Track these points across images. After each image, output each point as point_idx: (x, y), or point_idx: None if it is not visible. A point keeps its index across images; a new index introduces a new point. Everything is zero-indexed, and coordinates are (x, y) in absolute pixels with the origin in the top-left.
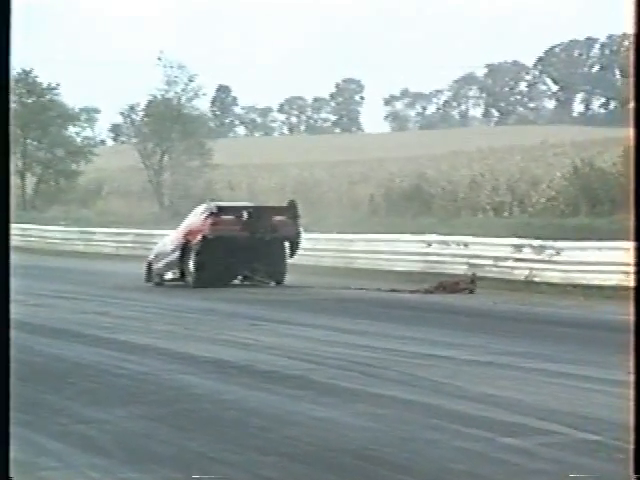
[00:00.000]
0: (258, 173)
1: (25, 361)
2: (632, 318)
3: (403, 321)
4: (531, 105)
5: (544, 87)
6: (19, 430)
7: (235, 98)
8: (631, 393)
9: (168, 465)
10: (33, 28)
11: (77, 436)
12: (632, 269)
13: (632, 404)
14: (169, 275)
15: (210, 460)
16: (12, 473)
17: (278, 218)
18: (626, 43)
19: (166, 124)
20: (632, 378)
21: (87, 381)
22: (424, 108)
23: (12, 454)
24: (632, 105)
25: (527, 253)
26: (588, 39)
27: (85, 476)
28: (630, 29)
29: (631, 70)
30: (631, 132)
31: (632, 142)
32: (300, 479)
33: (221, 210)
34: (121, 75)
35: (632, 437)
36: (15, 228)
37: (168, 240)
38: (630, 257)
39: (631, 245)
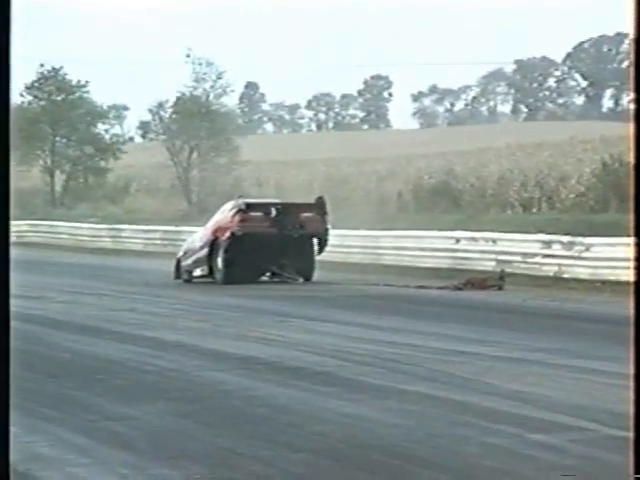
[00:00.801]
0: (286, 170)
1: (54, 358)
2: (632, 312)
3: (431, 318)
4: (560, 101)
5: (573, 83)
6: (49, 427)
7: (263, 95)
8: (631, 395)
9: (197, 461)
10: (63, 26)
11: (106, 432)
12: (633, 264)
13: (632, 405)
14: (198, 272)
15: (239, 456)
16: (42, 469)
17: (306, 215)
18: None
19: (194, 121)
20: (632, 377)
21: (115, 377)
22: (452, 104)
23: (43, 450)
24: (633, 106)
25: (556, 249)
26: (617, 34)
27: (114, 472)
28: (630, 29)
29: (631, 71)
30: (631, 129)
31: (632, 140)
32: (329, 475)
33: (249, 207)
34: (150, 72)
35: (632, 437)
36: (44, 225)
37: (196, 237)
38: None
39: None
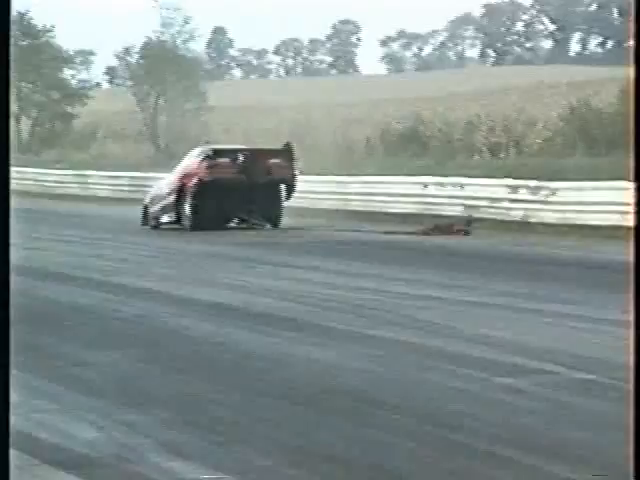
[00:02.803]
0: (254, 115)
1: (20, 304)
2: (632, 259)
3: (398, 263)
4: (528, 45)
5: (541, 27)
6: (15, 373)
7: (231, 40)
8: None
9: (165, 407)
10: None
11: (73, 378)
12: (631, 209)
13: (632, 403)
14: (165, 218)
15: (207, 402)
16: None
17: (274, 161)
18: None
19: (161, 66)
20: (632, 375)
21: (82, 324)
22: (420, 49)
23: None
24: (632, 103)
25: (523, 194)
26: None
27: (82, 418)
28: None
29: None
30: (631, 72)
31: (632, 83)
32: (297, 419)
33: (217, 153)
34: (117, 17)
35: (632, 438)
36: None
37: (164, 183)
38: (627, 197)
39: (627, 185)
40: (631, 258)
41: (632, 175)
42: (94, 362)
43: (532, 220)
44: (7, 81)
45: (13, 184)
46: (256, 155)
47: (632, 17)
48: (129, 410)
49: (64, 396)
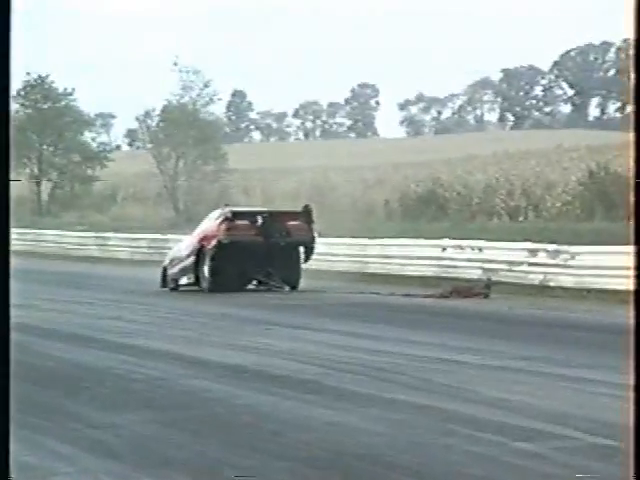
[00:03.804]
0: (273, 178)
1: (39, 366)
2: (632, 322)
3: (417, 326)
4: (547, 109)
5: (560, 91)
6: (34, 435)
7: (250, 103)
8: (631, 395)
9: (182, 470)
10: (49, 33)
11: (91, 441)
12: (633, 273)
13: (632, 406)
14: (184, 280)
15: (224, 465)
16: (26, 479)
17: (293, 223)
18: None
19: (181, 129)
20: (632, 380)
21: (100, 386)
22: (439, 112)
23: (26, 459)
24: (632, 109)
25: (542, 257)
26: (604, 43)
27: None
28: (630, 34)
29: (632, 75)
30: (631, 136)
31: (632, 147)
32: None
33: (236, 215)
34: (137, 80)
35: (632, 439)
36: (30, 233)
37: (183, 245)
38: None
39: None
40: (631, 321)
41: (633, 239)
42: (111, 424)
43: (551, 284)
44: (8, 84)
45: (32, 247)
46: (275, 217)
47: (633, 82)
48: (145, 473)
49: (81, 459)
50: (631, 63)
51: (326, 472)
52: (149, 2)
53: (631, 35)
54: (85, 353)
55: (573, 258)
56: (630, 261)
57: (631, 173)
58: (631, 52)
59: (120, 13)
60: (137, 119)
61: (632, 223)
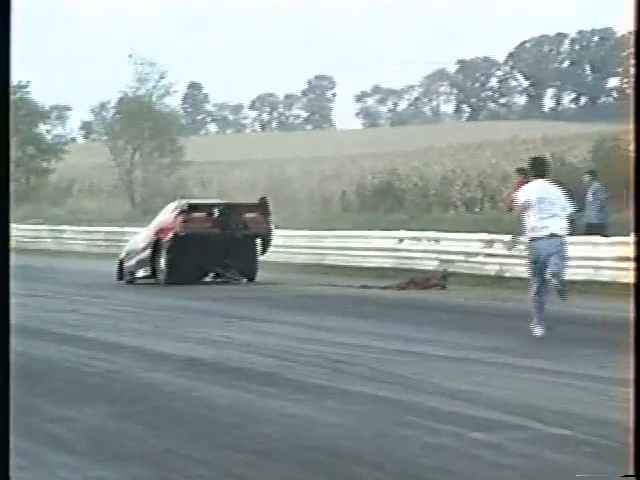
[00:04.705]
0: (230, 170)
1: None
2: (632, 315)
3: (374, 317)
4: (502, 101)
5: (515, 83)
6: None
7: (206, 95)
8: (631, 392)
9: (137, 463)
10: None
11: (45, 434)
12: (604, 264)
13: (632, 405)
14: (141, 273)
15: (180, 457)
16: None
17: (249, 215)
18: (595, 39)
19: (137, 121)
20: (632, 376)
21: (55, 379)
22: (395, 104)
23: None
24: (632, 101)
25: (498, 248)
26: (558, 34)
27: (53, 474)
28: (630, 29)
29: (632, 71)
30: (631, 127)
31: (633, 139)
32: (269, 476)
33: (192, 207)
34: (92, 72)
35: (632, 438)
36: None
37: (139, 238)
38: (599, 252)
39: (600, 240)
40: (631, 315)
41: (633, 228)
42: (66, 418)
43: (507, 274)
44: (7, 83)
45: None
46: (232, 209)
47: (633, 79)
48: (100, 466)
49: (36, 453)
50: (631, 59)
51: (283, 464)
52: None
53: (631, 27)
54: (39, 347)
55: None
56: (585, 251)
57: (585, 164)
58: (631, 48)
59: (75, 4)
60: (92, 111)
61: (632, 213)
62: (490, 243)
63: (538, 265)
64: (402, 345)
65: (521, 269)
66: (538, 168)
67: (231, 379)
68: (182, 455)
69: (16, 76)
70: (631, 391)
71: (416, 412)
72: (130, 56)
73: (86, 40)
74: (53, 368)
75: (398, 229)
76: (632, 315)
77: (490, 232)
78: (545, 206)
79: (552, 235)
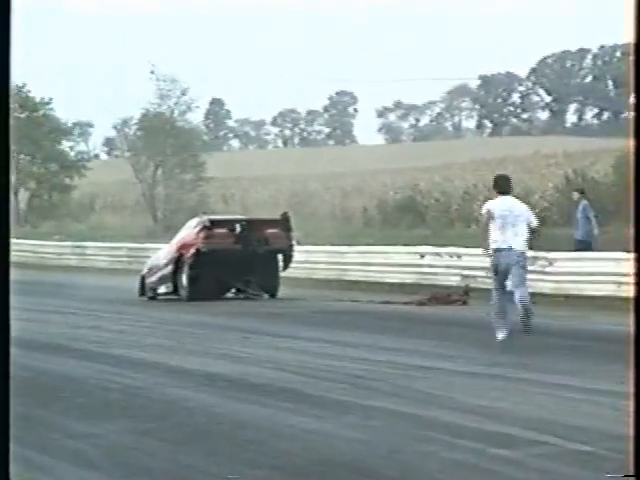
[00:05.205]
0: (251, 186)
1: (14, 376)
2: (632, 329)
3: (396, 333)
4: (524, 116)
5: (537, 98)
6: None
7: (229, 111)
8: (631, 402)
9: (158, 478)
10: (27, 42)
11: (68, 451)
12: (628, 279)
13: (632, 408)
14: (162, 289)
15: (201, 473)
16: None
17: (271, 231)
18: (618, 54)
19: (159, 138)
20: (632, 386)
21: (77, 395)
22: (417, 120)
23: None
24: (633, 114)
25: None
26: (580, 50)
27: None
28: (629, 39)
29: (631, 79)
30: (631, 142)
31: (632, 151)
32: None
33: (214, 223)
34: (114, 88)
35: (632, 438)
36: None
37: (161, 254)
38: (623, 268)
39: (624, 255)
40: (631, 329)
41: (632, 245)
42: (87, 434)
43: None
44: (7, 89)
45: (11, 257)
46: (253, 225)
47: (632, 87)
48: None
49: (58, 469)
50: (631, 69)
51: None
52: (121, 15)
53: (631, 39)
54: (62, 363)
55: (551, 264)
56: (607, 267)
57: (608, 179)
58: (609, 58)
59: (94, 22)
60: (115, 128)
61: (632, 230)
62: None
63: (499, 277)
64: (422, 360)
65: (543, 284)
66: (501, 185)
67: (252, 395)
68: (202, 471)
69: (39, 92)
70: (631, 403)
71: (435, 427)
72: (152, 72)
73: (108, 55)
74: (75, 384)
75: (420, 244)
76: (632, 329)
77: None
78: (506, 220)
79: (511, 248)
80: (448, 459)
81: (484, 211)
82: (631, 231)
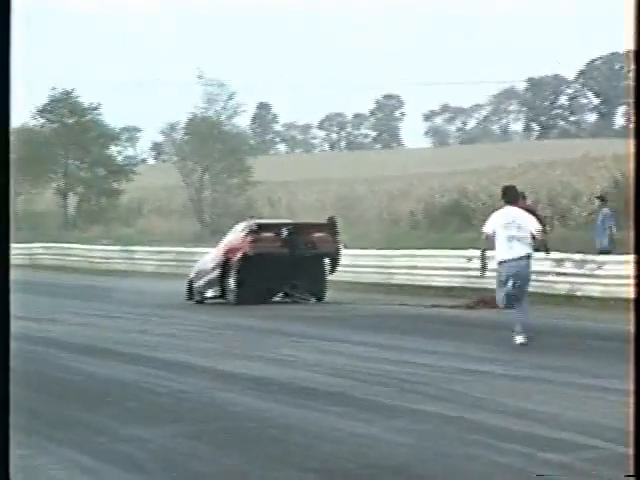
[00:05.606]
0: (298, 190)
1: (65, 380)
2: (632, 329)
3: (444, 336)
4: (572, 119)
5: (585, 100)
6: (60, 449)
7: (275, 115)
8: (631, 400)
9: None
10: (76, 49)
11: (117, 455)
12: (634, 282)
13: (632, 409)
14: (210, 293)
15: (249, 477)
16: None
17: (318, 235)
18: None
19: (206, 142)
20: (632, 386)
21: (126, 400)
22: (464, 123)
23: (54, 473)
24: (633, 119)
25: (568, 267)
26: (629, 52)
27: None
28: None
29: (632, 84)
30: (631, 144)
31: (632, 153)
32: None
33: (261, 227)
34: (162, 93)
35: (632, 439)
36: (57, 247)
37: (209, 258)
38: None
39: None
40: (632, 329)
41: (633, 248)
42: (137, 438)
43: (578, 293)
44: (7, 88)
45: (60, 261)
46: (300, 229)
47: (632, 91)
48: None
49: (107, 472)
50: (632, 75)
51: None
52: (169, 19)
53: (631, 46)
54: (112, 367)
55: (600, 268)
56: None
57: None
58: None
59: (141, 27)
60: (162, 132)
61: (632, 233)
62: (560, 262)
63: (507, 286)
64: (470, 364)
65: (592, 288)
66: (508, 195)
67: (300, 399)
68: (251, 475)
69: (87, 98)
70: (631, 400)
71: (483, 431)
72: (200, 77)
73: (156, 62)
74: (124, 388)
75: (467, 248)
76: (632, 329)
77: (560, 251)
78: (511, 231)
79: (516, 257)
80: (496, 463)
81: (489, 222)
82: (631, 234)
